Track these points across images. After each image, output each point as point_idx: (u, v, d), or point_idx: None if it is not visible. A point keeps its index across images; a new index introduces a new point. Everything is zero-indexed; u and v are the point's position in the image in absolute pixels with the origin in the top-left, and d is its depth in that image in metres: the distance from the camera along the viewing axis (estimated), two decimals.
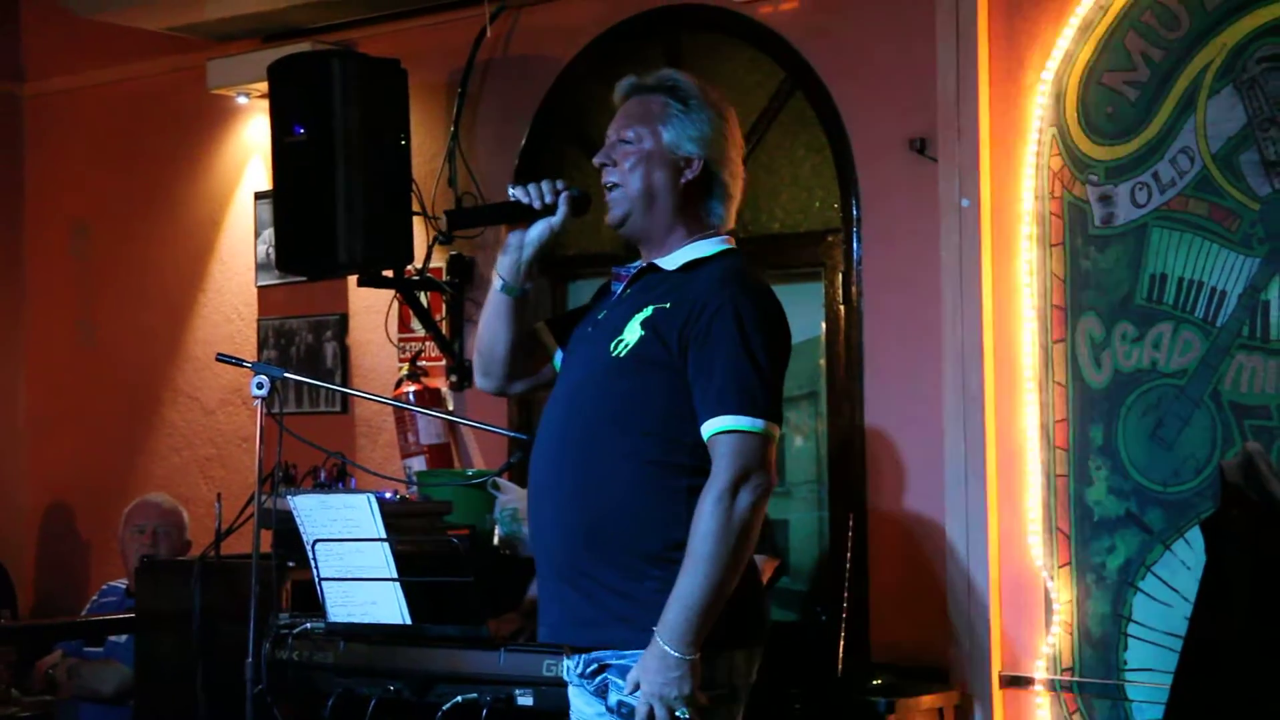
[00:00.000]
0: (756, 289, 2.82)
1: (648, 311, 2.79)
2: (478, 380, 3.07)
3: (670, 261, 2.86)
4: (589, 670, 2.81)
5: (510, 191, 2.93)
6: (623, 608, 2.73)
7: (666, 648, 2.66)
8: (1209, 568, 3.37)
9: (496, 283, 2.96)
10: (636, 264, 2.93)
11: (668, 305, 2.78)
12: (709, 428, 2.72)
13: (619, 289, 2.92)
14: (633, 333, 2.79)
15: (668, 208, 2.86)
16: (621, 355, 2.78)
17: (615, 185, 2.87)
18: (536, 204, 2.89)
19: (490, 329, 2.98)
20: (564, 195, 2.89)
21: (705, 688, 2.70)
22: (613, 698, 2.77)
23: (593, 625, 2.77)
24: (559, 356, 3.01)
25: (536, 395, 4.96)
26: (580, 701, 2.88)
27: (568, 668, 2.90)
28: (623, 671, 2.75)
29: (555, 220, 2.90)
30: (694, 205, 2.87)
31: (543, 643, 2.96)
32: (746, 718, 2.83)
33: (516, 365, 3.00)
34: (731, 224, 2.92)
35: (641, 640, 2.71)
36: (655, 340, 2.77)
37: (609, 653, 2.77)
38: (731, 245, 2.91)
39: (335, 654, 3.82)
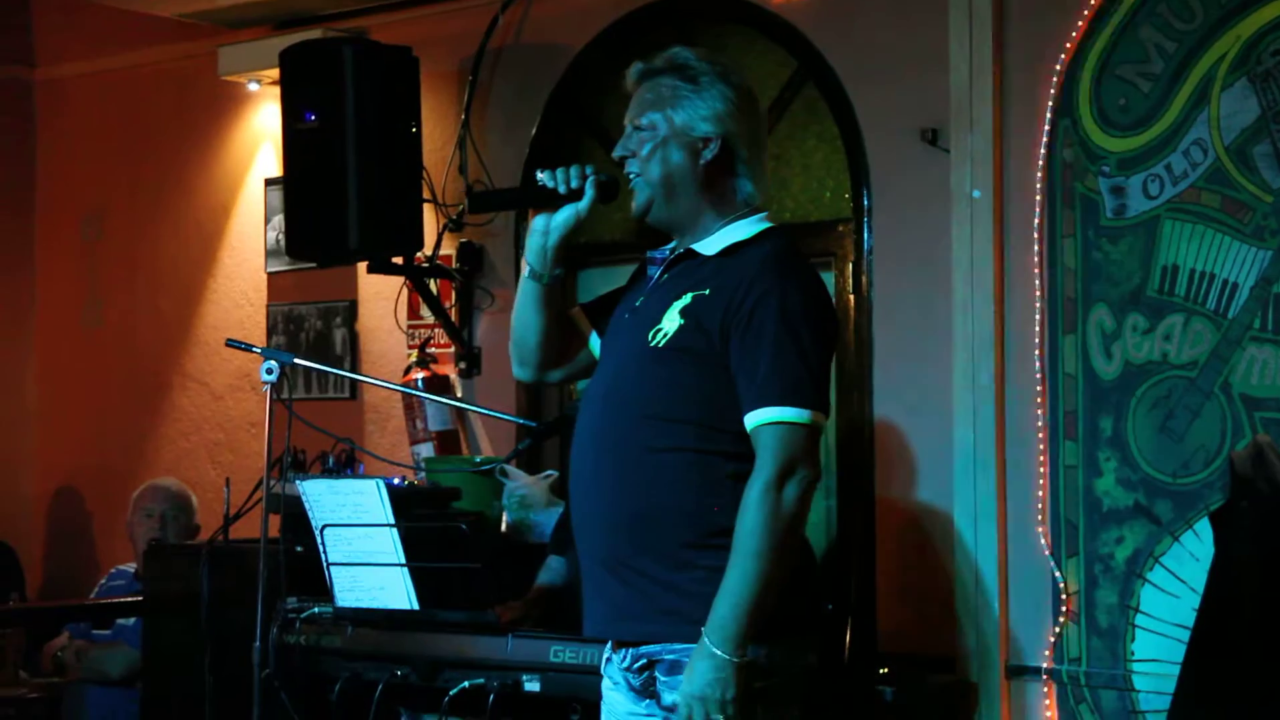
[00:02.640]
0: (800, 273, 2.74)
1: (687, 299, 2.73)
2: (515, 370, 3.01)
3: (708, 246, 2.80)
4: (637, 665, 2.76)
5: (538, 175, 2.88)
6: (667, 599, 2.68)
7: (714, 649, 2.60)
8: (1217, 559, 3.37)
9: (525, 270, 2.91)
10: (670, 246, 2.86)
11: (707, 292, 2.72)
12: (753, 419, 2.66)
13: (655, 274, 2.86)
14: (671, 321, 2.73)
15: (691, 191, 2.79)
16: (660, 345, 2.73)
17: (638, 174, 2.81)
18: (563, 188, 2.84)
19: (521, 317, 2.93)
20: (590, 180, 2.84)
21: (758, 676, 2.64)
22: (667, 698, 2.71)
23: (638, 618, 2.72)
24: (594, 341, 2.96)
25: (552, 383, 5.05)
26: (618, 696, 2.83)
27: (611, 660, 2.84)
28: (670, 668, 2.70)
29: (582, 206, 2.85)
30: (719, 185, 2.80)
31: (589, 637, 2.90)
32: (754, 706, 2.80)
33: (550, 353, 2.95)
34: (764, 198, 2.83)
35: (687, 633, 2.65)
36: (695, 329, 2.71)
37: (656, 648, 2.72)
38: (771, 224, 2.83)
39: (343, 638, 3.82)
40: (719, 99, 2.79)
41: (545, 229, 2.87)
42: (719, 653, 2.59)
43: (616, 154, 2.85)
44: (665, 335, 2.73)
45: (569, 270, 4.99)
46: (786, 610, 2.69)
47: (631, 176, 2.84)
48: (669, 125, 2.79)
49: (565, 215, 2.86)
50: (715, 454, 2.70)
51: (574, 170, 2.85)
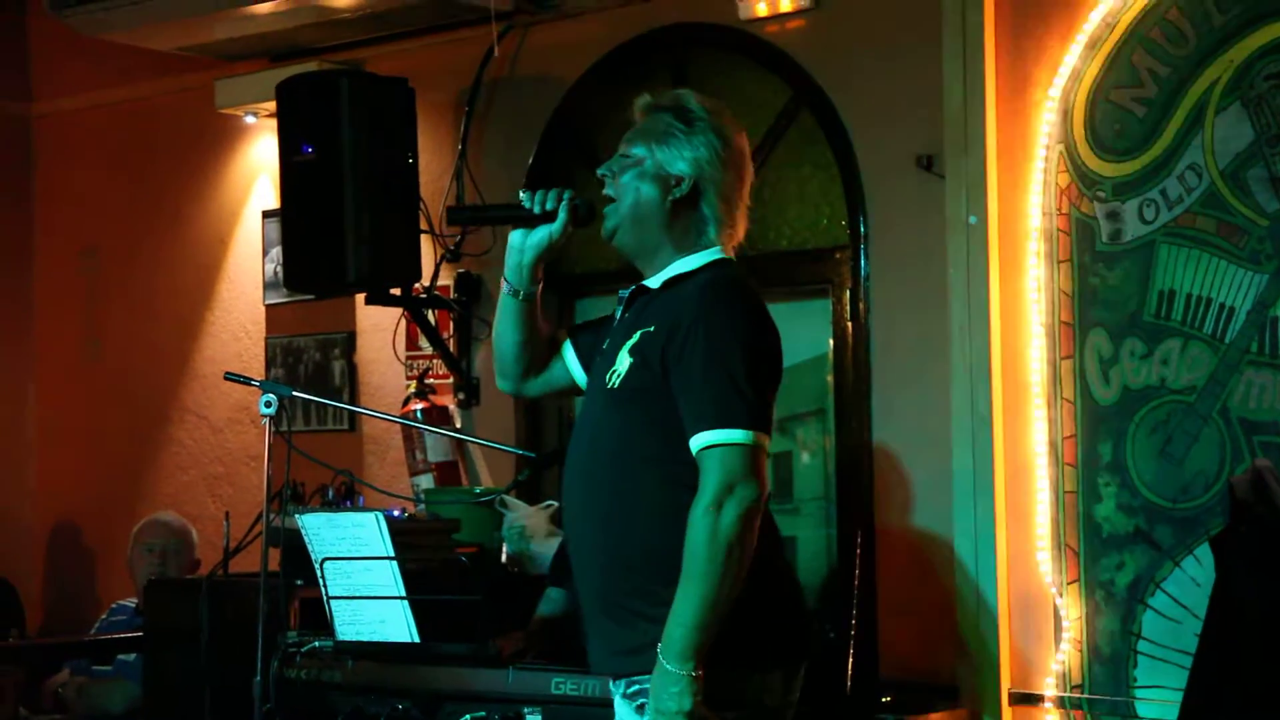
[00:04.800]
0: (732, 299, 2.80)
1: (635, 338, 2.82)
2: (497, 381, 3.13)
3: (655, 280, 2.89)
4: (631, 691, 2.82)
5: (520, 194, 2.97)
6: (653, 633, 2.73)
7: (666, 664, 2.68)
8: (1218, 584, 3.36)
9: (503, 285, 3.01)
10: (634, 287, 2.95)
11: (652, 329, 2.81)
12: (694, 444, 2.73)
13: (619, 313, 2.95)
14: (623, 362, 2.82)
15: (656, 224, 2.87)
16: (615, 386, 2.82)
17: (611, 198, 2.90)
18: (538, 209, 2.94)
19: (499, 330, 3.05)
20: (564, 203, 2.92)
21: (730, 707, 2.71)
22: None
23: (632, 652, 2.79)
24: (567, 350, 3.05)
25: (547, 410, 5.05)
26: (625, 712, 2.89)
27: (613, 684, 2.90)
28: None
29: (555, 228, 2.93)
30: (682, 224, 2.88)
31: (595, 673, 2.97)
32: None
33: (527, 363, 3.05)
34: (726, 250, 2.89)
35: None
36: (642, 366, 2.79)
37: (646, 678, 2.76)
38: (721, 255, 2.88)
39: (344, 672, 3.82)
40: (703, 146, 2.87)
41: (521, 247, 2.97)
42: (670, 668, 2.67)
43: (600, 172, 2.94)
44: (619, 376, 2.82)
45: (567, 299, 5.12)
46: (763, 644, 2.75)
47: (608, 200, 2.91)
48: (651, 158, 2.88)
49: (539, 236, 2.95)
50: (681, 488, 2.75)
51: (552, 193, 2.95)
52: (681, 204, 2.86)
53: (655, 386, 2.77)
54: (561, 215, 2.92)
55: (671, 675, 2.67)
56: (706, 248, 2.88)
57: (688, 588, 2.67)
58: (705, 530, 2.67)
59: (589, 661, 2.91)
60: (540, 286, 2.99)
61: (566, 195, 2.93)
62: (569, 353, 3.06)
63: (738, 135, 2.91)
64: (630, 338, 2.83)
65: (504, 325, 3.03)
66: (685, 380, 2.74)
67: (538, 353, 3.05)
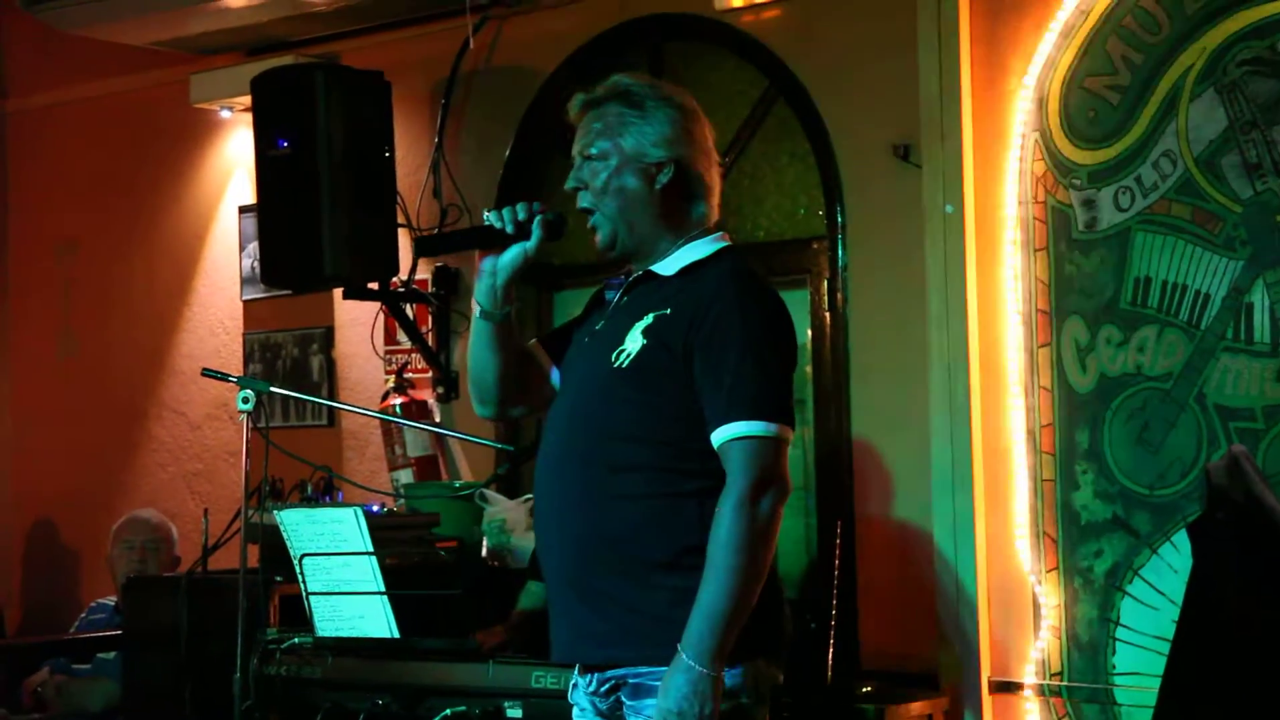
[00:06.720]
0: (759, 290, 2.77)
1: (648, 319, 2.74)
2: (476, 408, 2.98)
3: (666, 267, 2.81)
4: (604, 689, 2.75)
5: (485, 215, 2.86)
6: (632, 622, 2.67)
7: (691, 663, 2.58)
8: (1196, 571, 3.37)
9: (475, 310, 2.88)
10: (627, 272, 2.87)
11: (669, 312, 2.73)
12: (720, 435, 2.66)
13: (614, 297, 2.86)
14: (634, 342, 2.73)
15: (650, 217, 2.79)
16: (624, 365, 2.73)
17: (593, 209, 2.81)
18: (510, 228, 2.81)
19: (476, 357, 2.91)
20: (538, 219, 2.81)
21: (726, 696, 2.64)
22: None
23: (604, 642, 2.71)
24: (556, 376, 2.94)
25: (515, 418, 5.03)
26: (589, 715, 2.81)
27: (578, 685, 2.82)
28: (634, 691, 2.69)
29: (529, 245, 2.81)
30: (675, 208, 2.81)
31: (557, 661, 2.87)
32: None
33: (511, 389, 2.92)
34: (716, 215, 2.85)
35: (651, 656, 2.65)
36: (658, 348, 2.71)
37: (621, 671, 2.71)
38: (727, 243, 2.84)
39: (323, 668, 3.81)
40: (665, 122, 2.79)
41: (493, 269, 2.84)
42: (695, 666, 2.58)
43: (569, 185, 2.84)
44: (629, 355, 2.73)
45: (546, 292, 5.12)
46: (754, 632, 2.69)
47: (589, 211, 2.82)
48: (620, 153, 2.78)
49: (513, 255, 2.83)
50: (680, 472, 2.69)
51: (521, 208, 2.83)
52: (669, 189, 2.79)
53: (670, 369, 2.69)
54: (536, 233, 2.80)
55: (696, 674, 2.57)
56: (701, 224, 2.82)
57: (718, 580, 2.59)
58: (740, 523, 2.60)
59: (552, 648, 2.81)
60: (515, 306, 2.87)
61: (537, 209, 2.82)
62: (555, 371, 2.92)
63: (685, 98, 2.84)
64: (641, 319, 2.74)
65: (481, 351, 2.89)
66: (715, 369, 2.66)
67: (519, 374, 2.92)
